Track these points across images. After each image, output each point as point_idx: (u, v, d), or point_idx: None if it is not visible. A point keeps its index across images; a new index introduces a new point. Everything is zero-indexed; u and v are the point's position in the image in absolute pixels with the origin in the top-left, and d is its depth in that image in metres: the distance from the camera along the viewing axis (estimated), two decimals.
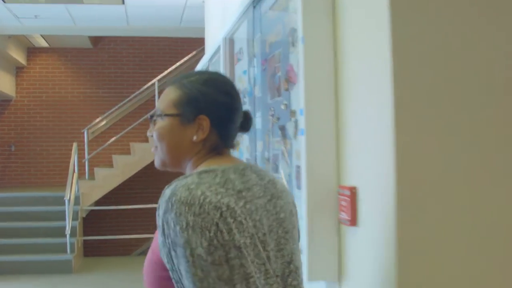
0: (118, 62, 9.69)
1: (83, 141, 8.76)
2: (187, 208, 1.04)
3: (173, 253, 1.05)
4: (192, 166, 1.23)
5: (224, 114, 1.23)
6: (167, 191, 1.10)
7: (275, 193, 1.22)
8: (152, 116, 1.27)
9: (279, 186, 1.26)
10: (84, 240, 8.43)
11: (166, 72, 9.01)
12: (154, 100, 8.88)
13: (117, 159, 8.76)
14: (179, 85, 1.25)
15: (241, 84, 2.67)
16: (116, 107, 9.18)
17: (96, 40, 9.54)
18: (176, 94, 1.23)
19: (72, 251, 7.47)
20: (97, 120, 9.28)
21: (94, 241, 8.62)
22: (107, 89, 9.63)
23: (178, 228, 1.04)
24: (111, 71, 9.68)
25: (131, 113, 9.52)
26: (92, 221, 8.94)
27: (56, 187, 8.92)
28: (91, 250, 8.67)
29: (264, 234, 1.13)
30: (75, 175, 8.01)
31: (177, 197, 1.06)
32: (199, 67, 4.07)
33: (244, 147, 2.59)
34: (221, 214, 1.05)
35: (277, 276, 1.13)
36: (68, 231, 7.34)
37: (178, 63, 9.10)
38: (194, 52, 9.07)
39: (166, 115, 1.23)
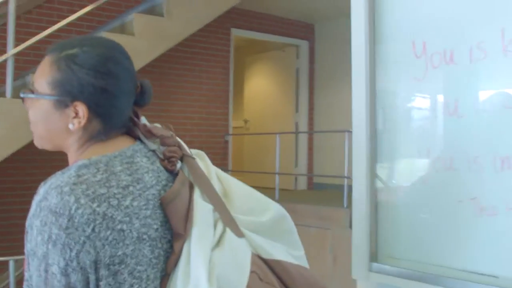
0: None
1: None
2: (54, 218, 0.94)
3: (30, 260, 0.97)
4: (73, 154, 1.10)
5: (104, 100, 1.08)
6: (41, 191, 1.00)
7: (169, 177, 1.10)
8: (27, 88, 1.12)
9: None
10: None
11: None
12: None
13: None
14: (56, 58, 1.08)
15: None
16: None
17: None
18: (51, 70, 1.08)
19: None
20: None
21: None
22: None
23: (39, 238, 0.95)
24: None
25: None
26: None
27: None
28: None
29: (157, 229, 1.03)
30: None
31: (47, 202, 0.96)
32: None
33: None
34: (93, 229, 0.95)
35: None
36: None
37: None
38: None
39: (40, 94, 1.08)
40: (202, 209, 1.06)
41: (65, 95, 1.06)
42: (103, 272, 0.95)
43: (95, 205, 0.95)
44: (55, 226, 0.94)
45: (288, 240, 1.19)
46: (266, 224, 1.15)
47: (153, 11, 4.88)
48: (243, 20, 6.92)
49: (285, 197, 6.03)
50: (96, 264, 0.94)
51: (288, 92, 7.72)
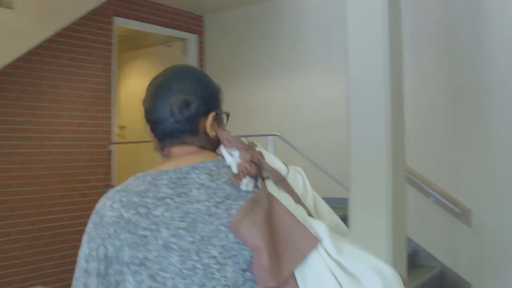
0: None
1: None
2: (93, 216, 1.11)
3: None
4: None
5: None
6: None
7: (232, 194, 1.12)
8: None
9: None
10: None
11: None
12: None
13: None
14: None
15: None
16: None
17: None
18: None
19: None
20: None
21: None
22: None
23: (85, 231, 1.12)
24: None
25: None
26: None
27: None
28: None
29: (193, 242, 1.06)
30: None
31: (97, 204, 1.12)
32: None
33: None
34: (115, 230, 1.06)
35: (226, 286, 1.06)
36: None
37: None
38: None
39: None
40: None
41: None
42: (122, 268, 1.05)
43: (123, 210, 1.07)
44: (91, 221, 1.10)
45: None
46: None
47: None
48: (126, 8, 5.86)
49: None
50: (117, 258, 1.05)
51: None
